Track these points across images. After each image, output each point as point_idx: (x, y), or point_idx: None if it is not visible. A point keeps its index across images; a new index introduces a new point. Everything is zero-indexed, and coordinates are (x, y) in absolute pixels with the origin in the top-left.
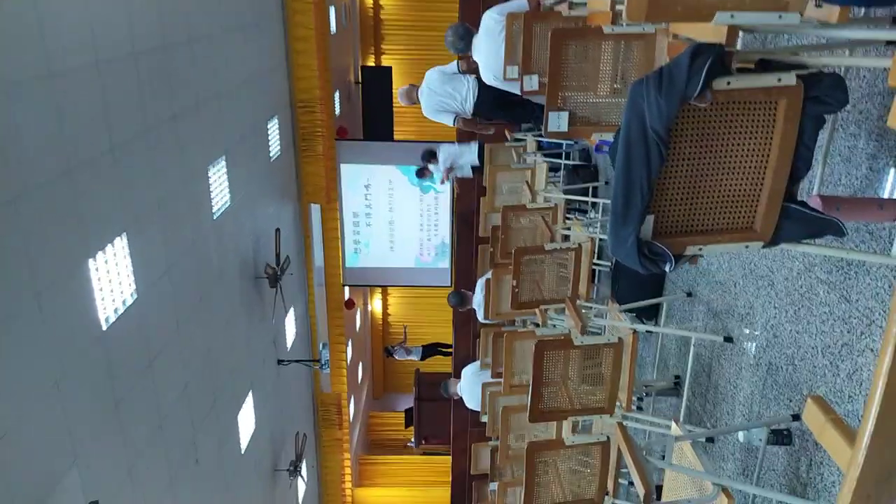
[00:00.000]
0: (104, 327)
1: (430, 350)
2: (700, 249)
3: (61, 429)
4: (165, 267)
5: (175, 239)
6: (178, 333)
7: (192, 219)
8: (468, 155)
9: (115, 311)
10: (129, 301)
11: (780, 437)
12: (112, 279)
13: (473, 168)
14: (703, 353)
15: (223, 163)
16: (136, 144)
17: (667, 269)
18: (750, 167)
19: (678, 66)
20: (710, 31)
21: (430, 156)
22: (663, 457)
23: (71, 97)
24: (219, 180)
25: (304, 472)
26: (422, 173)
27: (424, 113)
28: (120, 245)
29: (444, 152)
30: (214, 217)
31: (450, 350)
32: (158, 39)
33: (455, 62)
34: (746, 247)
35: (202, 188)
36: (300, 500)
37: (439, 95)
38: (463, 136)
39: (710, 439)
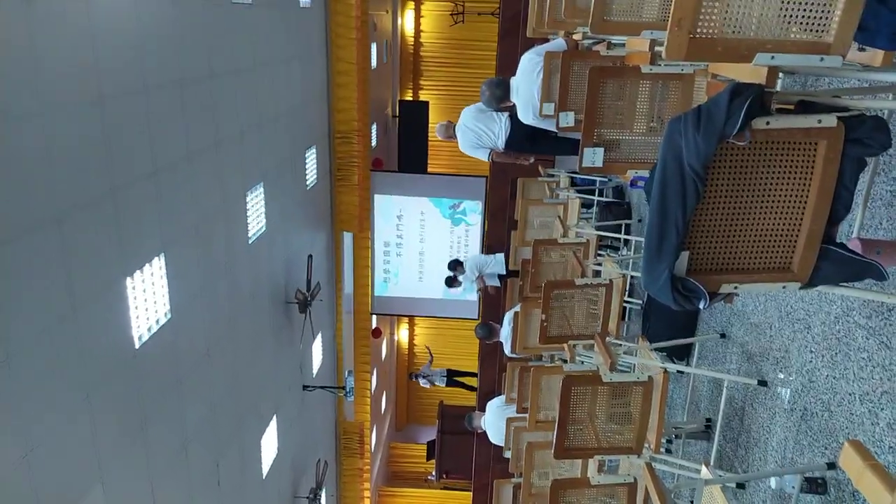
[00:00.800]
0: (137, 346)
1: (455, 379)
2: (735, 288)
3: (88, 445)
4: (199, 289)
5: (210, 261)
6: (208, 355)
7: (228, 242)
8: (494, 266)
9: (149, 329)
10: (163, 321)
11: (814, 485)
12: (147, 298)
13: (500, 277)
14: (735, 397)
15: (261, 189)
16: (178, 168)
17: (701, 305)
18: (788, 207)
19: (717, 105)
20: (749, 72)
21: (456, 265)
22: (692, 501)
23: (118, 120)
24: (256, 206)
25: (323, 500)
26: (451, 283)
27: (461, 148)
28: (157, 265)
29: (470, 262)
30: (250, 241)
31: (474, 384)
32: (205, 69)
33: None
34: (783, 287)
35: (239, 213)
36: None
37: (473, 132)
38: (490, 248)
39: (741, 485)
